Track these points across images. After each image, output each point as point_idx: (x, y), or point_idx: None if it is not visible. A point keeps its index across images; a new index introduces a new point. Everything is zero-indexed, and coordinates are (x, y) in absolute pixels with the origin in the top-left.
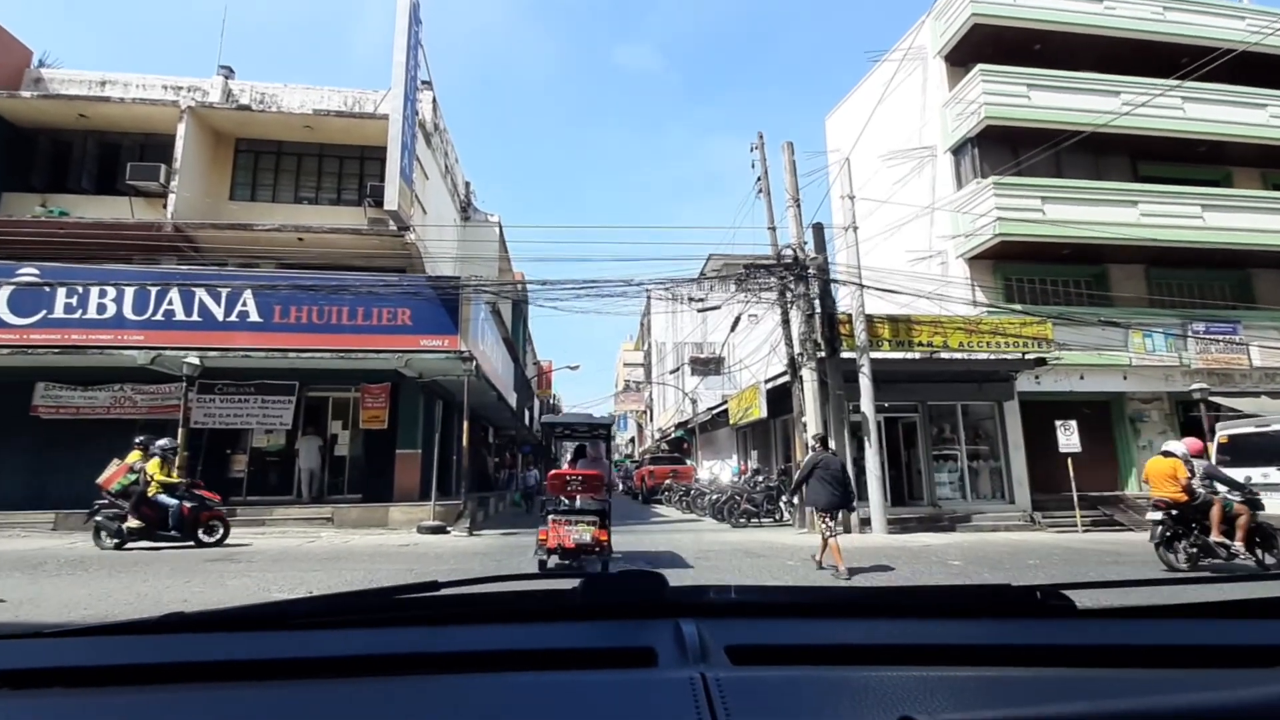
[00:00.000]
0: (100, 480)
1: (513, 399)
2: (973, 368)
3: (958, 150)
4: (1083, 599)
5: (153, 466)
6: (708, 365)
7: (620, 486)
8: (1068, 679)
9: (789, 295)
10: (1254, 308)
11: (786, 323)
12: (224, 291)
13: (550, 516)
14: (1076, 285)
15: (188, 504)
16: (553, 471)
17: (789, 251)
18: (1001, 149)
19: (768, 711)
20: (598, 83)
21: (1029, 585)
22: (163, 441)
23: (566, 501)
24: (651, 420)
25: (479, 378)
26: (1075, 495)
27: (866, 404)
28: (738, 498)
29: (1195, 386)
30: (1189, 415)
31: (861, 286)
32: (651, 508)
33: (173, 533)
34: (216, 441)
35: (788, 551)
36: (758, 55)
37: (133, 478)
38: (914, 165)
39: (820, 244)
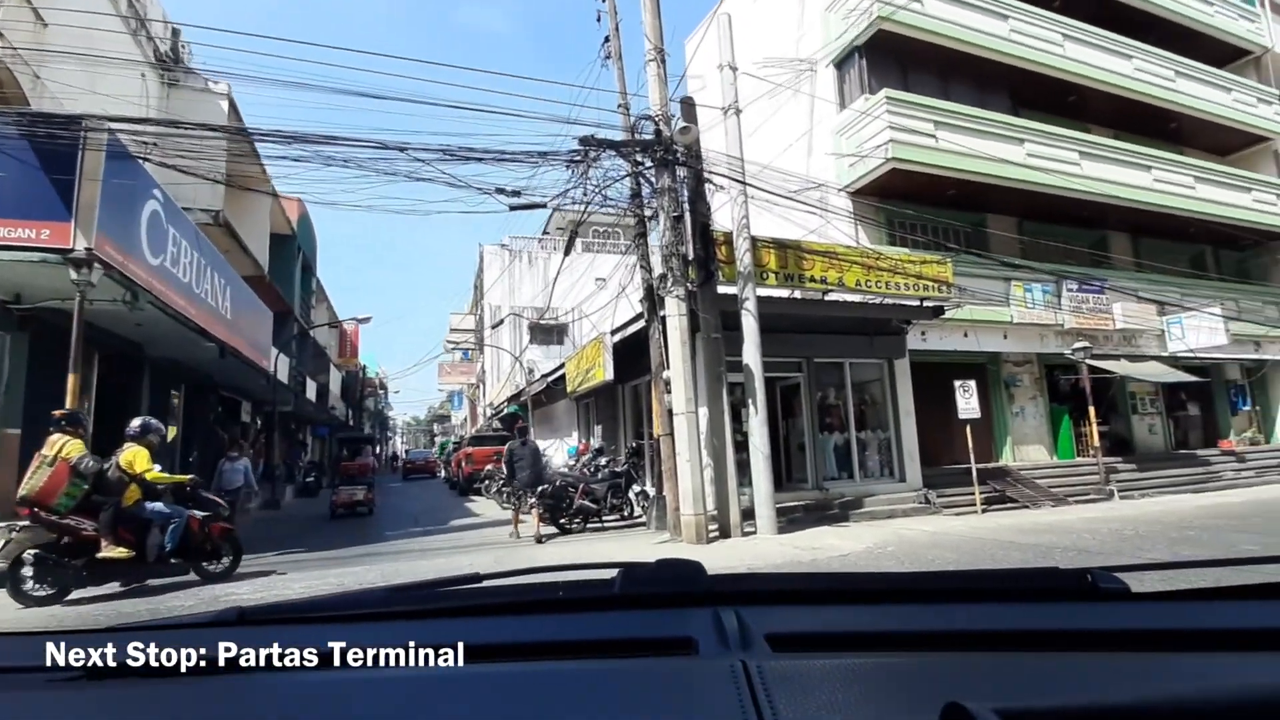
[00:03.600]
0: (27, 492)
1: (275, 364)
2: (867, 315)
3: (842, 62)
4: (1133, 580)
5: (140, 459)
6: (550, 334)
7: (441, 474)
8: (1124, 664)
9: (647, 191)
10: (1115, 269)
11: (643, 235)
12: None
13: (341, 487)
14: (957, 236)
15: (197, 513)
16: (343, 463)
17: (649, 125)
18: (889, 64)
19: (810, 699)
20: (440, 43)
21: (1080, 568)
22: (147, 420)
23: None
24: (484, 395)
25: (138, 305)
26: (975, 470)
27: (751, 353)
28: (570, 490)
29: (1078, 345)
30: (1051, 378)
31: (745, 186)
32: (467, 501)
33: (173, 561)
34: None
35: None
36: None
37: (82, 483)
38: (791, 80)
39: (691, 117)
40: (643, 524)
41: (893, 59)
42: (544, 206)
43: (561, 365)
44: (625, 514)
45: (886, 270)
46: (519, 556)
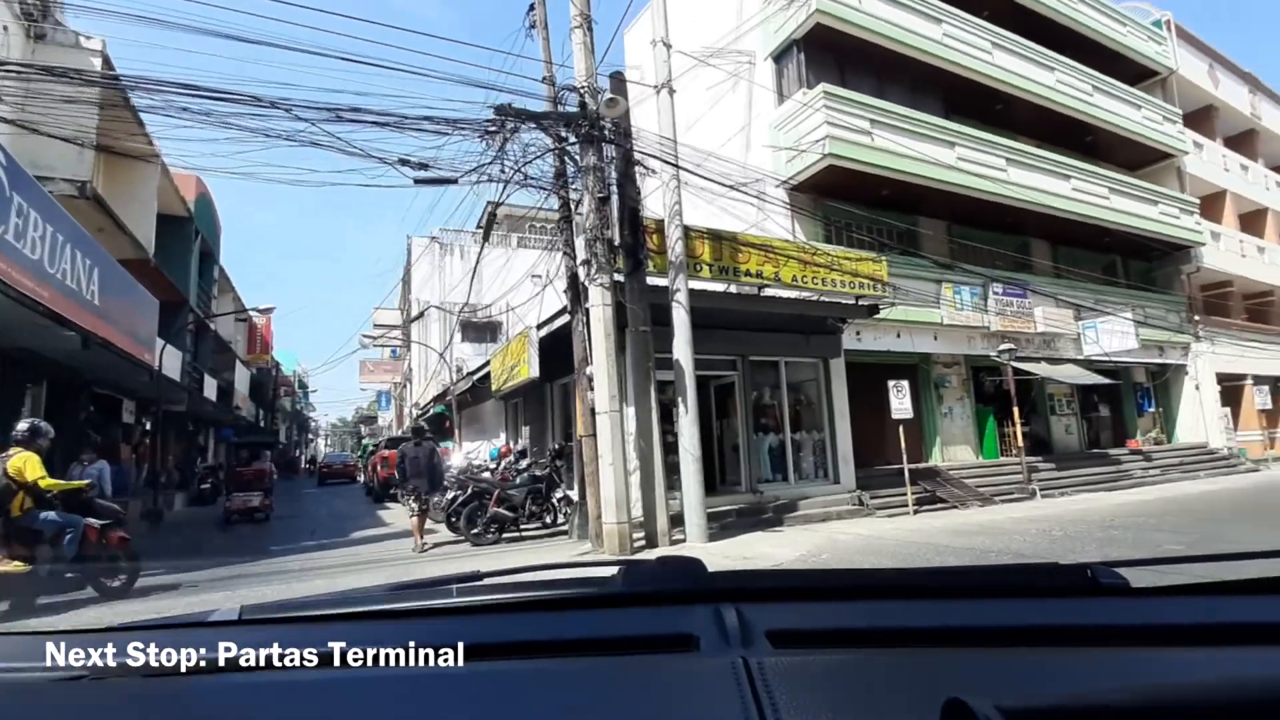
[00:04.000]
0: None
1: (160, 357)
2: (803, 312)
3: (780, 56)
4: (1134, 575)
5: (32, 466)
6: (482, 331)
7: (361, 478)
8: (1126, 659)
9: (572, 170)
10: (1036, 274)
11: (567, 219)
12: None
13: (235, 494)
14: (891, 235)
15: (95, 522)
16: (237, 468)
17: (573, 97)
18: (827, 61)
19: (812, 696)
20: (370, 27)
21: (1081, 563)
22: (35, 422)
23: (242, 485)
24: (410, 395)
25: None
26: (907, 470)
27: (682, 348)
28: (484, 497)
29: (1003, 347)
30: (977, 379)
31: (677, 169)
32: (380, 509)
33: (68, 576)
34: None
35: None
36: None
37: None
38: (731, 70)
39: (621, 92)
40: (564, 531)
41: (830, 56)
42: (454, 182)
43: (487, 363)
44: (548, 522)
45: (823, 266)
46: (413, 575)
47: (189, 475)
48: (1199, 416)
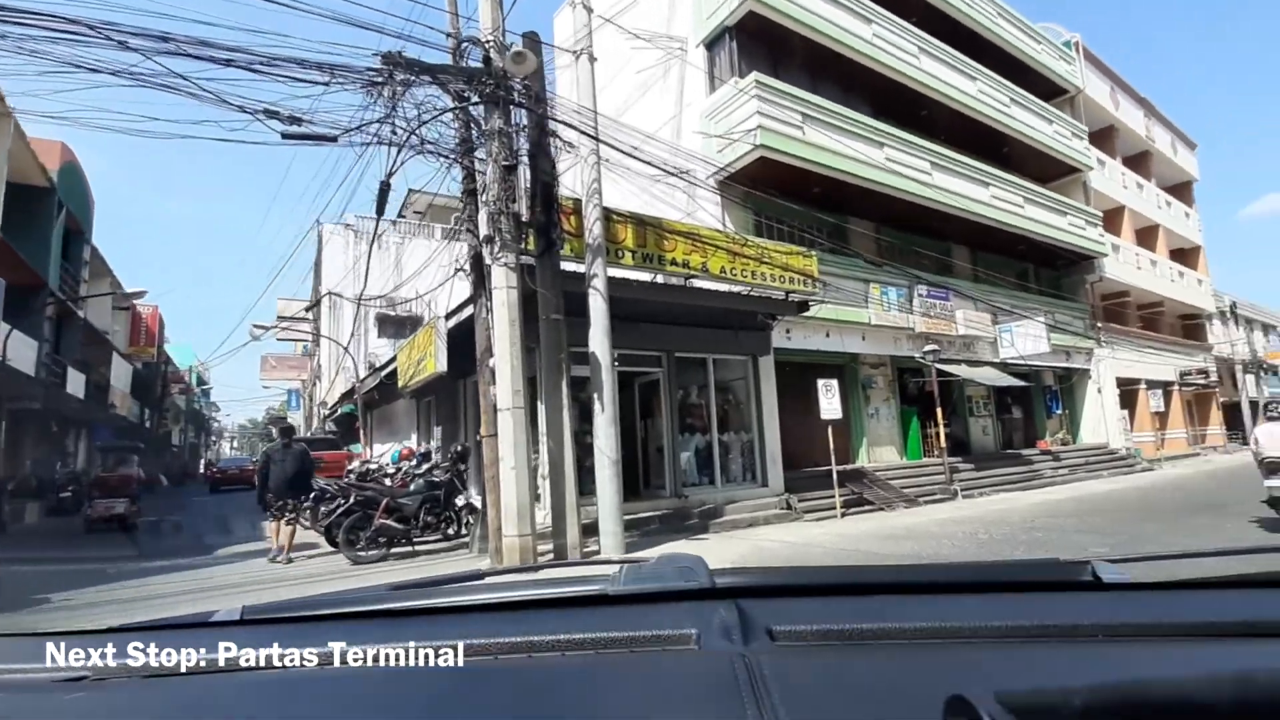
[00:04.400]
0: None
1: (4, 346)
2: (733, 306)
3: (713, 43)
4: (1138, 571)
5: None
6: (402, 326)
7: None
8: (1128, 654)
9: (477, 134)
10: (957, 278)
11: (472, 192)
12: None
13: (98, 501)
14: (821, 232)
15: None
16: (100, 475)
17: (476, 51)
18: (759, 52)
19: (813, 692)
20: None
21: (1082, 559)
22: None
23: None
24: (319, 393)
25: None
26: (835, 473)
27: (599, 340)
28: (371, 507)
29: (928, 349)
30: (902, 380)
31: (598, 142)
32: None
33: None
34: None
35: None
36: None
37: None
38: (663, 50)
39: (534, 51)
40: (465, 544)
41: (763, 48)
42: (333, 140)
43: (394, 357)
44: (449, 534)
45: (753, 259)
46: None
47: (48, 482)
48: (1100, 418)
